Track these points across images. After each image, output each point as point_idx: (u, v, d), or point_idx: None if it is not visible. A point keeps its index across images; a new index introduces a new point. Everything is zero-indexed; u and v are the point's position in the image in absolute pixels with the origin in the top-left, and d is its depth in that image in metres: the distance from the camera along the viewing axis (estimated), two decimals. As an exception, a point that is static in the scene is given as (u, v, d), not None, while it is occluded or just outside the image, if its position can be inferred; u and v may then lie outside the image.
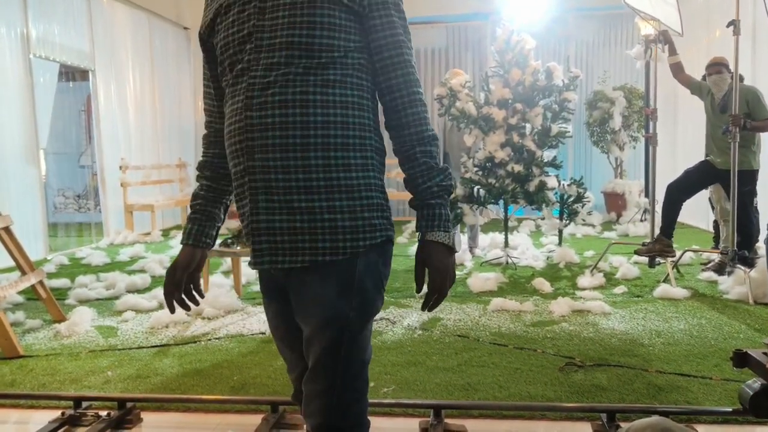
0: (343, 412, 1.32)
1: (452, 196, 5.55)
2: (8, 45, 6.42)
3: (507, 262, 5.75)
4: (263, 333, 3.77)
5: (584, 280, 4.93)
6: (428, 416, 2.52)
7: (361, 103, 1.31)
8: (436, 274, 1.31)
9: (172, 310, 1.49)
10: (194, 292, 1.51)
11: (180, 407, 2.73)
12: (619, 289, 4.72)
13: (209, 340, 3.68)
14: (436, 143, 1.35)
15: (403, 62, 1.32)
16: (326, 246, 1.27)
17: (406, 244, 6.91)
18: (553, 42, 9.80)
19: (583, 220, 6.18)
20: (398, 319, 4.01)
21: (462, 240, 6.48)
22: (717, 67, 5.00)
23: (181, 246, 1.51)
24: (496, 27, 6.17)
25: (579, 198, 5.91)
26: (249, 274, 5.15)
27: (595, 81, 9.70)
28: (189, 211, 1.55)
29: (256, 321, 4.03)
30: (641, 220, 8.24)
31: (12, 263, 4.15)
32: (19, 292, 4.25)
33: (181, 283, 1.48)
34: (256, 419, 2.56)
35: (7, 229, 4.01)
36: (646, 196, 7.53)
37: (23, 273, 4.03)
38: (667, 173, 6.25)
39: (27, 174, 6.65)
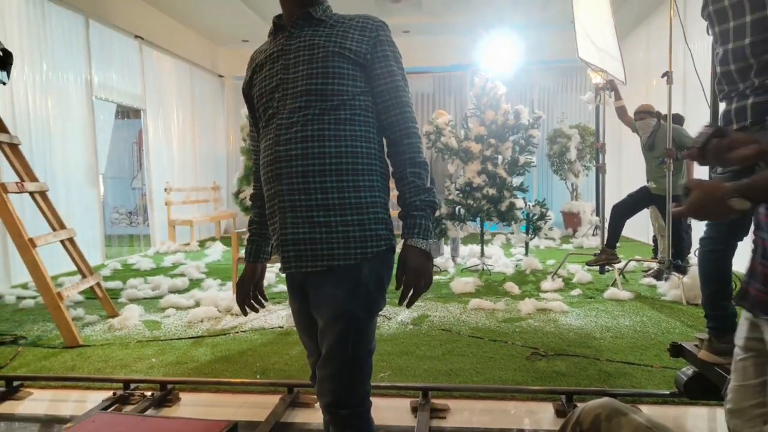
0: (351, 393, 1.34)
1: (437, 214, 5.54)
2: (75, 89, 6.44)
3: (483, 269, 5.73)
4: (281, 327, 3.74)
5: (546, 284, 4.91)
6: (417, 397, 2.50)
7: (368, 136, 1.35)
8: (411, 273, 1.31)
9: (245, 313, 1.58)
10: (260, 298, 1.58)
11: (212, 389, 2.70)
12: (576, 292, 4.70)
13: (236, 332, 3.65)
14: (425, 168, 1.37)
15: (400, 103, 1.36)
16: (341, 253, 1.30)
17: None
18: (520, 88, 9.85)
19: (545, 235, 6.16)
20: (393, 316, 3.98)
21: (445, 250, 6.46)
22: (642, 114, 5.05)
23: (245, 263, 1.57)
24: (474, 76, 6.21)
25: (542, 216, 5.90)
26: (269, 277, 5.13)
27: (554, 120, 9.76)
28: (247, 234, 1.59)
29: (276, 317, 4.00)
30: (593, 235, 8.23)
31: (75, 268, 4.12)
32: (80, 292, 4.21)
33: (249, 292, 1.56)
34: (275, 399, 2.54)
35: (71, 240, 4.00)
36: (597, 215, 7.53)
37: (83, 276, 4.00)
38: (613, 196, 6.25)
39: (88, 194, 6.63)
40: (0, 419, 2.45)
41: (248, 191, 6.03)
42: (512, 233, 6.40)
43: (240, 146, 8.58)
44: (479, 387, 2.63)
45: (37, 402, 2.62)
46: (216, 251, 7.30)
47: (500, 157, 5.86)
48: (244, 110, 6.11)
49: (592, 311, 4.09)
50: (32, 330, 3.74)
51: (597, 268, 5.15)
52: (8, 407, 2.56)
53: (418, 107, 10.21)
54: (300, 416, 2.42)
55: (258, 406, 2.51)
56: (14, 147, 3.92)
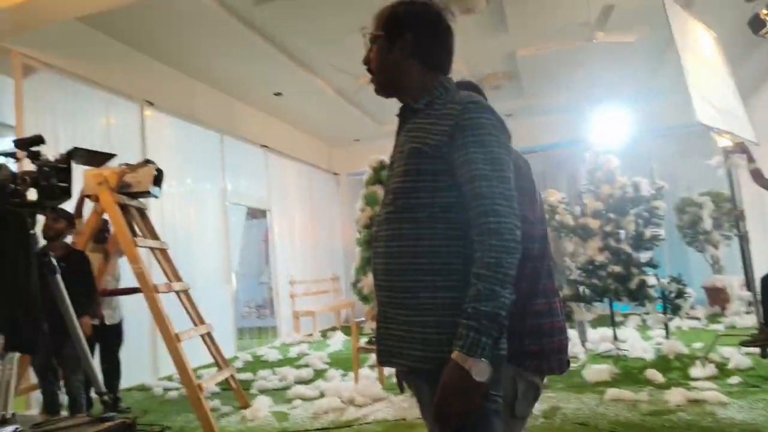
0: None
1: (508, 300, 5.28)
2: (212, 197, 7.26)
3: (617, 355, 5.25)
4: (404, 419, 3.66)
5: (697, 371, 4.36)
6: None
7: (450, 233, 1.27)
8: (440, 391, 1.16)
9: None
10: None
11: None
12: (734, 379, 4.12)
13: (360, 424, 3.63)
14: (496, 269, 1.17)
15: (475, 196, 1.23)
16: (419, 355, 1.26)
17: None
18: (636, 159, 9.35)
19: (687, 314, 5.57)
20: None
21: (572, 335, 6.04)
22: None
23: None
24: (585, 152, 6.08)
25: (680, 293, 5.37)
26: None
27: (680, 189, 9.09)
28: None
29: (398, 408, 3.93)
30: (746, 313, 7.27)
31: (211, 360, 4.42)
32: (217, 384, 4.46)
33: None
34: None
35: (209, 334, 4.33)
36: (748, 289, 6.69)
37: (219, 368, 4.28)
38: (763, 266, 5.55)
39: (223, 290, 7.20)
40: None
41: (365, 281, 6.20)
42: (647, 314, 5.85)
43: (355, 237, 8.95)
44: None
45: (180, 492, 2.76)
46: (337, 341, 7.46)
47: (622, 232, 5.54)
48: (358, 204, 6.46)
49: (758, 402, 3.54)
50: (176, 420, 4.00)
51: (758, 351, 4.50)
52: (156, 497, 2.71)
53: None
54: None
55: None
56: (163, 251, 4.45)
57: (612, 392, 3.89)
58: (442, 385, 1.16)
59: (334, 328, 9.03)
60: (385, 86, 1.43)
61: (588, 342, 5.87)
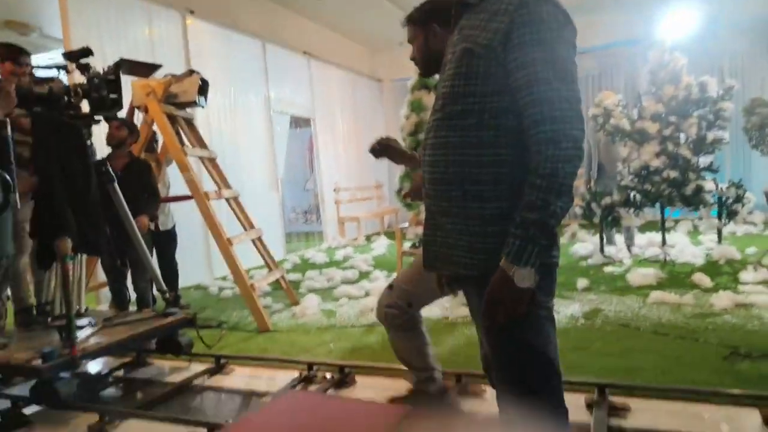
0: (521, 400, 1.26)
1: (608, 201, 5.10)
2: (256, 106, 7.27)
3: (665, 260, 5.18)
4: (446, 318, 3.81)
5: (748, 275, 4.27)
6: (592, 393, 2.36)
7: (498, 141, 1.20)
8: (487, 297, 1.18)
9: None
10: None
11: (384, 373, 2.85)
12: (787, 285, 4.02)
13: (404, 322, 3.80)
14: (551, 179, 1.13)
15: (533, 102, 1.14)
16: (466, 262, 1.26)
17: (566, 244, 6.53)
18: (705, 57, 8.65)
19: (744, 219, 5.36)
20: (561, 309, 3.80)
21: (618, 240, 5.97)
22: None
23: None
24: (648, 50, 5.63)
25: (738, 198, 5.14)
26: (434, 271, 5.22)
27: (752, 89, 8.39)
28: None
29: (439, 308, 4.07)
30: (808, 219, 6.92)
31: (263, 262, 4.66)
32: (268, 284, 4.72)
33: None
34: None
35: (259, 238, 4.53)
36: (813, 194, 6.31)
37: (270, 269, 4.52)
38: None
39: (270, 197, 7.42)
40: (212, 390, 2.88)
41: (408, 187, 6.23)
42: (700, 219, 5.68)
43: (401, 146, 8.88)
44: (667, 387, 2.40)
45: (238, 377, 3.03)
46: (381, 245, 7.67)
47: (683, 136, 5.24)
48: (403, 111, 6.34)
49: (810, 307, 3.46)
50: (232, 316, 4.31)
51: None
52: (217, 381, 2.99)
53: (583, 90, 9.55)
54: (469, 406, 2.44)
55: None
56: (212, 161, 4.57)
57: (656, 295, 3.88)
58: (489, 291, 1.17)
59: (377, 234, 9.25)
60: None
61: (634, 247, 5.80)
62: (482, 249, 1.23)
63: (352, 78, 9.75)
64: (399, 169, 8.87)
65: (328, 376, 2.83)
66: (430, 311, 3.99)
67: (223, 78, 6.57)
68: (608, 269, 5.03)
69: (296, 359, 3.10)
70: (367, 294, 4.62)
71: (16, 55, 3.01)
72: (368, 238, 8.83)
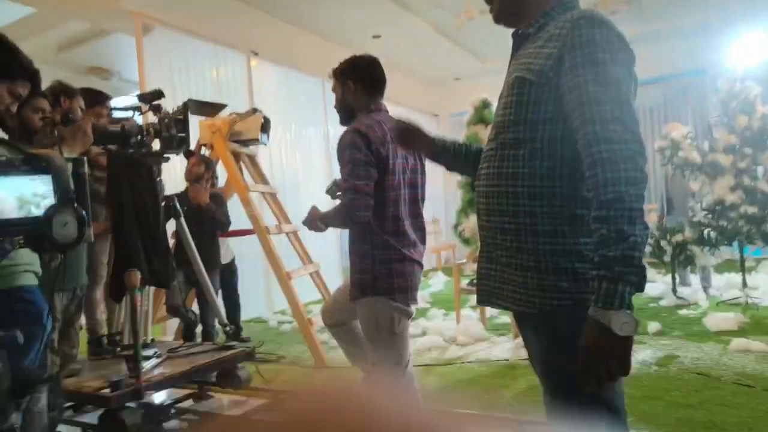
0: None
1: (680, 238, 4.83)
2: (315, 141, 7.48)
3: (747, 303, 4.80)
4: (506, 360, 3.66)
5: (844, 323, 3.89)
6: (672, 450, 2.17)
7: (553, 173, 1.15)
8: (583, 352, 1.05)
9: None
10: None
11: (442, 418, 2.76)
12: None
13: (462, 363, 3.69)
14: (617, 206, 1.03)
15: (584, 122, 1.08)
16: (521, 299, 1.20)
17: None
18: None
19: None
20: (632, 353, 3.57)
21: (693, 280, 5.61)
22: None
23: None
24: (717, 79, 5.39)
25: (828, 237, 4.75)
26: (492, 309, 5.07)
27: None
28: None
29: (500, 349, 3.93)
30: None
31: (320, 297, 4.68)
32: (325, 319, 4.72)
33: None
34: (506, 435, 2.47)
35: (317, 272, 4.57)
36: None
37: (327, 305, 4.52)
38: None
39: (328, 232, 7.47)
40: (269, 427, 2.87)
41: (466, 224, 6.14)
42: (785, 259, 5.26)
43: (457, 180, 8.85)
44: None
45: (296, 415, 3.01)
46: (438, 281, 7.57)
47: (760, 169, 4.93)
48: (460, 145, 6.29)
49: None
50: (290, 350, 4.33)
51: None
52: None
53: (647, 122, 9.25)
54: (533, 456, 2.30)
55: (489, 441, 2.47)
56: (273, 196, 4.69)
57: (738, 342, 3.59)
58: (585, 347, 1.05)
59: (435, 269, 9.15)
60: (505, 10, 1.29)
61: (711, 288, 5.42)
62: (537, 285, 1.17)
63: (409, 113, 9.83)
64: (456, 204, 8.81)
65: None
66: (490, 352, 3.86)
67: (285, 115, 6.81)
68: (682, 312, 4.72)
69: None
70: (424, 333, 4.53)
71: (101, 99, 3.23)
72: (425, 274, 8.74)
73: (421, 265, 2.12)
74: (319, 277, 4.58)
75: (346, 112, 2.10)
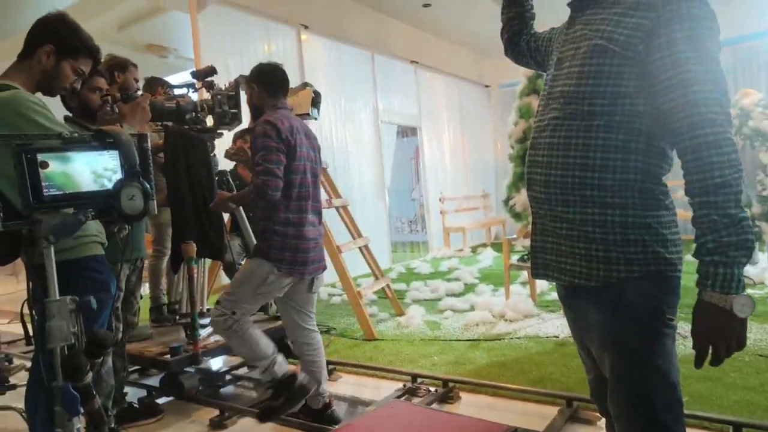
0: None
1: (748, 213, 4.63)
2: (365, 116, 7.49)
3: (818, 283, 4.54)
4: (556, 336, 3.64)
5: None
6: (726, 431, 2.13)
7: (628, 146, 1.14)
8: (701, 337, 1.09)
9: None
10: None
11: (489, 391, 2.79)
12: None
13: (511, 338, 3.69)
14: (725, 191, 1.05)
15: (687, 103, 1.06)
16: (583, 272, 1.19)
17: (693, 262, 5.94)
18: None
19: None
20: (688, 334, 3.46)
21: (761, 258, 5.33)
22: None
23: None
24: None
25: None
26: (543, 284, 5.03)
27: None
28: None
29: (550, 326, 3.91)
30: None
31: (369, 271, 4.76)
32: (374, 292, 4.81)
33: None
34: (553, 411, 2.48)
35: (366, 246, 4.64)
36: None
37: (376, 278, 4.60)
38: None
39: (377, 206, 7.59)
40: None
41: (518, 198, 6.05)
42: None
43: (508, 153, 8.70)
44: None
45: (345, 384, 3.12)
46: (487, 257, 7.52)
47: (841, 140, 4.59)
48: (511, 117, 6.18)
49: None
50: (340, 323, 4.45)
51: None
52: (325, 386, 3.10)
53: (714, 90, 8.70)
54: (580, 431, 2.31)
55: (535, 415, 2.49)
56: (324, 170, 4.76)
57: (807, 325, 3.42)
58: (705, 330, 1.08)
59: (484, 245, 9.08)
60: None
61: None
62: (603, 258, 1.16)
63: (458, 84, 9.71)
64: (507, 179, 8.67)
65: (432, 389, 2.82)
66: (539, 329, 3.83)
67: (335, 89, 6.85)
68: (749, 291, 4.50)
69: (401, 370, 3.12)
70: (472, 308, 4.54)
71: (158, 83, 3.35)
72: (474, 249, 8.71)
73: (316, 242, 2.47)
74: (368, 251, 4.65)
75: (255, 110, 2.51)
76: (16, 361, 3.45)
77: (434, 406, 2.66)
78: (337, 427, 2.40)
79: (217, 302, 2.43)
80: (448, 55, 9.38)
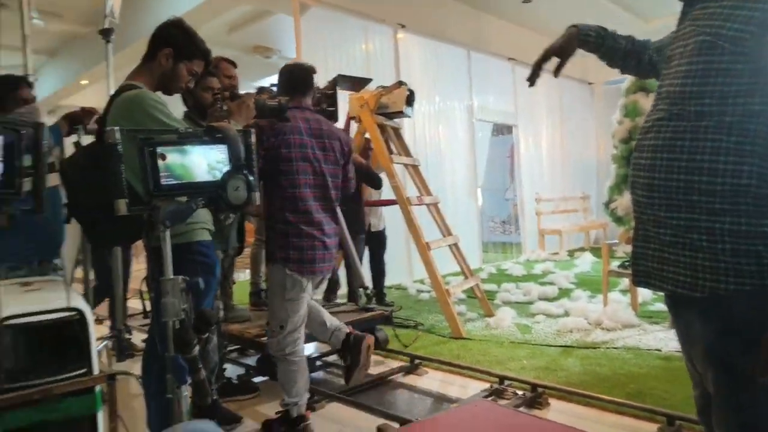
0: None
1: None
2: (459, 113, 7.44)
3: None
4: (659, 350, 3.41)
5: None
6: None
7: (741, 149, 1.05)
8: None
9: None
10: None
11: (581, 401, 2.68)
12: None
13: (607, 347, 3.51)
14: None
15: None
16: (687, 282, 1.11)
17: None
18: None
19: None
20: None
21: None
22: None
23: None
24: None
25: None
26: (646, 293, 4.73)
27: None
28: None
29: (653, 338, 3.67)
30: None
31: (458, 269, 4.74)
32: (463, 291, 4.78)
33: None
34: (651, 427, 2.34)
35: (456, 245, 4.62)
36: None
37: (466, 277, 4.57)
38: None
39: (469, 205, 7.52)
40: (406, 388, 3.03)
41: (620, 201, 5.73)
42: None
43: (611, 153, 8.24)
44: None
45: (431, 380, 3.14)
46: (585, 262, 7.20)
47: None
48: (616, 116, 5.86)
49: None
50: (427, 319, 4.48)
51: None
52: (411, 379, 3.14)
53: None
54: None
55: (630, 431, 2.36)
56: (416, 168, 4.81)
57: None
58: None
59: (582, 249, 8.70)
60: None
61: None
62: (710, 268, 1.08)
63: (559, 82, 9.32)
64: (609, 180, 8.23)
65: (519, 393, 2.76)
66: (640, 340, 3.62)
67: (429, 87, 6.88)
68: None
69: (488, 371, 3.09)
70: (566, 313, 4.38)
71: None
72: (571, 253, 8.36)
73: (323, 242, 2.37)
74: (457, 250, 4.63)
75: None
76: (135, 333, 3.82)
77: (521, 410, 2.60)
78: (422, 419, 2.42)
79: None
80: (549, 51, 9.06)
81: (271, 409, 2.69)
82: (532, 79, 1.47)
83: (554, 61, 1.47)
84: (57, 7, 7.16)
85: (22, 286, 1.87)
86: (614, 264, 4.49)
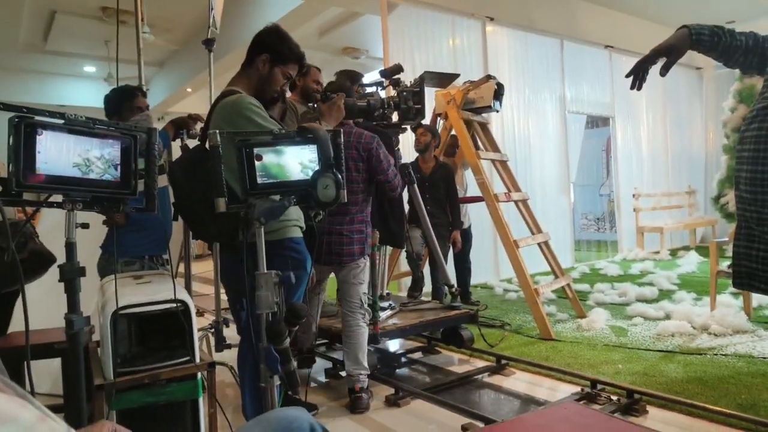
0: None
1: None
2: (550, 105, 7.17)
3: None
4: (751, 356, 3.11)
5: None
6: None
7: None
8: None
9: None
10: None
11: (683, 410, 2.50)
12: None
13: (715, 354, 3.25)
14: None
15: None
16: None
17: None
18: None
19: None
20: None
21: None
22: None
23: None
24: None
25: None
26: (762, 297, 4.32)
27: None
28: None
29: (745, 346, 3.34)
30: None
31: (548, 268, 4.59)
32: (553, 291, 4.62)
33: None
34: (766, 443, 2.14)
35: (546, 243, 4.47)
36: None
37: (556, 276, 4.41)
38: None
39: (560, 201, 7.23)
40: (491, 388, 2.99)
41: (730, 195, 5.27)
42: None
43: (722, 144, 7.60)
44: None
45: (518, 381, 3.07)
46: (690, 261, 6.68)
47: None
48: (727, 102, 5.38)
49: None
50: (515, 319, 4.38)
51: None
52: (497, 380, 3.09)
53: None
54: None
55: (742, 445, 2.18)
56: (503, 163, 4.70)
57: None
58: None
59: (686, 248, 8.08)
60: None
61: None
62: None
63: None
64: (719, 173, 7.60)
65: (614, 398, 2.63)
66: (753, 347, 3.31)
67: (518, 79, 6.70)
68: None
69: (580, 374, 2.96)
70: (667, 316, 4.10)
71: (357, 78, 3.65)
72: (673, 252, 7.80)
73: (329, 237, 2.74)
74: (548, 248, 4.48)
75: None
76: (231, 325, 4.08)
77: (616, 416, 2.48)
78: (507, 420, 2.38)
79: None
80: (650, 37, 8.46)
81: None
82: (635, 83, 1.39)
83: (656, 43, 1.38)
84: (165, 21, 7.77)
85: (134, 279, 2.07)
86: (724, 264, 4.13)
